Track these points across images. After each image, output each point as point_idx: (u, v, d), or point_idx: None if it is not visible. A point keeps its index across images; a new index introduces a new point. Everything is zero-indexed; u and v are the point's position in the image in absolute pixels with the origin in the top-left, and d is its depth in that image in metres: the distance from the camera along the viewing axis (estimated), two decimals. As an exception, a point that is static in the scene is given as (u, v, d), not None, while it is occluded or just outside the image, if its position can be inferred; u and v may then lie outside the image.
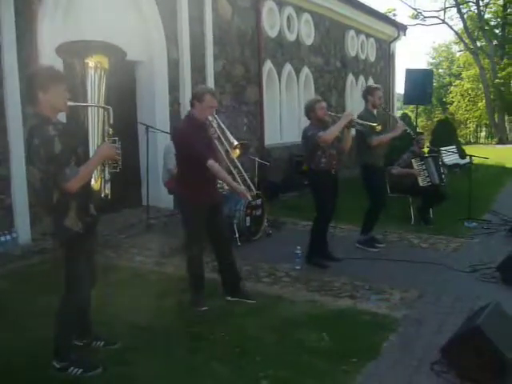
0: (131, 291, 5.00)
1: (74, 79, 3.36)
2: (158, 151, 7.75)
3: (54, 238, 3.47)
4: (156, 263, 6.08)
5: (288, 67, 12.14)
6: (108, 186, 3.40)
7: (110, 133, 3.34)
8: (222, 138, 4.54)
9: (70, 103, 3.25)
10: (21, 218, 6.42)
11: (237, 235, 6.71)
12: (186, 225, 4.74)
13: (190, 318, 4.45)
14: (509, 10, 34.47)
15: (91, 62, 3.28)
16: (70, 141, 3.19)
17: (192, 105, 4.59)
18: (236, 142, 4.56)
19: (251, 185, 4.75)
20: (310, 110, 5.88)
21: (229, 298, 4.86)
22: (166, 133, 7.74)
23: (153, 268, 5.90)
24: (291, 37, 12.15)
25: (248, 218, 6.92)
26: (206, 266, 4.94)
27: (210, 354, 3.83)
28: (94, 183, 3.34)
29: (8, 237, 6.23)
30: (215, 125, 4.54)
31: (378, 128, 5.99)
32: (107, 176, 3.39)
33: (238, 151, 4.63)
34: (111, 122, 3.34)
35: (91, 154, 3.30)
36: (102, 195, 3.40)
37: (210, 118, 4.51)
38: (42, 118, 3.20)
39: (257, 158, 8.00)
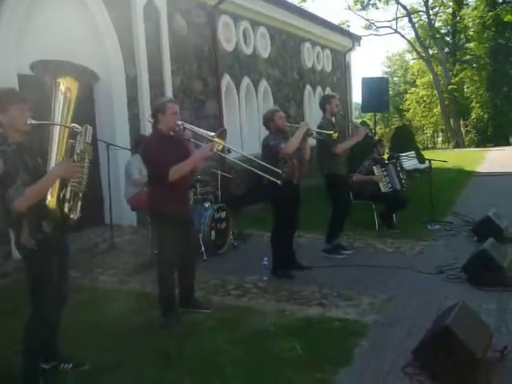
0: (97, 311, 4.90)
1: (45, 96, 3.36)
2: (119, 168, 7.65)
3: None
4: (121, 281, 5.97)
5: (246, 80, 12.19)
6: (68, 205, 3.34)
7: (79, 151, 3.32)
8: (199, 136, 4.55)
9: (32, 121, 3.24)
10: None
11: (203, 249, 6.65)
12: (160, 239, 4.69)
13: (159, 335, 4.37)
14: (458, 18, 35.51)
15: (62, 83, 3.31)
16: (20, 161, 3.20)
17: (156, 120, 4.57)
18: (212, 133, 4.52)
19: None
20: (269, 120, 5.88)
21: (180, 309, 4.81)
22: (127, 149, 7.66)
23: (118, 286, 5.80)
24: (248, 50, 12.22)
25: (213, 232, 6.88)
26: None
27: (182, 370, 3.77)
28: (50, 201, 3.27)
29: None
30: (188, 126, 4.55)
31: (335, 136, 6.01)
32: (68, 195, 3.34)
33: (219, 140, 4.55)
34: (88, 140, 3.35)
35: None
36: (62, 214, 3.34)
37: (179, 123, 4.50)
38: (0, 138, 3.25)
39: (219, 171, 7.97)
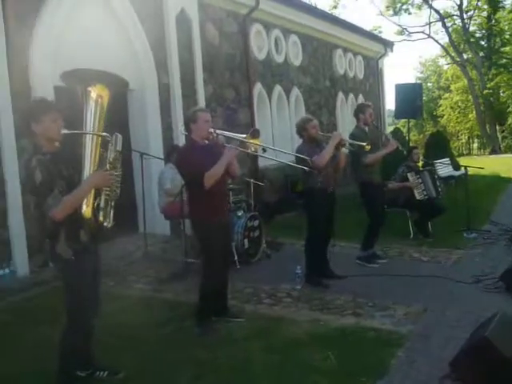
0: (132, 319, 4.92)
1: (76, 105, 3.40)
2: (153, 177, 7.73)
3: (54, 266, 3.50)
4: (155, 290, 6.01)
5: (278, 88, 12.20)
6: (102, 213, 3.37)
7: (111, 160, 3.34)
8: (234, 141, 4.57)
9: (64, 131, 3.29)
10: (18, 251, 6.35)
11: (236, 258, 6.65)
12: (203, 247, 4.70)
13: (193, 344, 4.38)
14: (493, 21, 34.89)
15: (93, 91, 3.33)
16: (56, 169, 3.24)
17: (189, 130, 4.61)
18: (244, 135, 4.52)
19: None
20: (302, 129, 5.87)
21: (213, 318, 4.79)
22: (160, 159, 7.73)
23: (152, 294, 5.83)
24: (279, 58, 12.24)
25: (246, 240, 6.88)
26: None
27: (215, 379, 3.77)
28: (85, 210, 3.30)
29: (6, 270, 6.17)
30: (219, 132, 4.58)
31: (367, 148, 5.97)
32: (102, 204, 3.37)
33: (253, 140, 4.54)
34: (118, 148, 3.37)
35: None
36: (97, 223, 3.37)
37: (211, 130, 4.52)
38: (35, 148, 3.32)
39: (252, 180, 7.97)
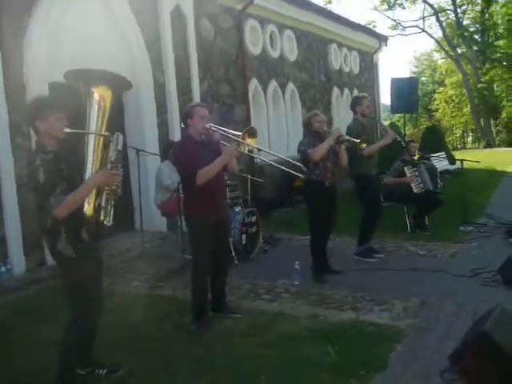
0: (129, 316, 4.92)
1: (76, 104, 3.40)
2: (149, 174, 7.71)
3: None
4: (152, 287, 5.99)
5: (273, 84, 12.17)
6: (103, 212, 3.38)
7: (113, 159, 3.34)
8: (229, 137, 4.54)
9: (67, 130, 3.29)
10: (15, 249, 6.31)
11: (233, 254, 6.65)
12: (193, 242, 4.70)
13: (190, 340, 4.37)
14: (487, 16, 34.92)
15: (96, 92, 3.35)
16: (58, 168, 3.24)
17: (186, 125, 4.61)
18: (240, 133, 4.49)
19: None
20: (307, 123, 5.91)
21: (211, 314, 4.81)
22: (157, 155, 7.70)
23: (149, 292, 5.83)
24: (275, 53, 12.21)
25: (244, 236, 6.87)
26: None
27: (214, 376, 3.75)
28: (87, 209, 3.31)
29: (2, 268, 6.13)
30: (216, 128, 4.57)
31: (363, 145, 5.97)
32: (103, 202, 3.37)
33: (250, 139, 4.51)
34: (119, 148, 3.37)
35: None
36: (97, 222, 3.38)
37: (207, 126, 4.50)
38: (38, 146, 3.33)
39: (249, 175, 7.95)
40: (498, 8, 34.66)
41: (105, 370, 3.78)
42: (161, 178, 6.94)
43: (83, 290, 3.40)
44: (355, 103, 6.61)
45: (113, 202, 3.42)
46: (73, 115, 3.39)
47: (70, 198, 3.18)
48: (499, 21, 34.93)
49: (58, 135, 3.30)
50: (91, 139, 3.33)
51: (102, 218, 3.37)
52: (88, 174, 3.31)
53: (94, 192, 3.32)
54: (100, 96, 3.34)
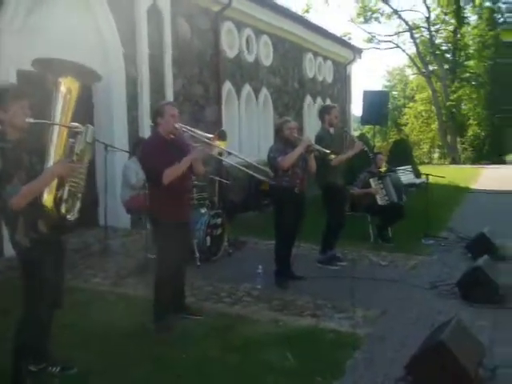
0: (88, 314, 4.84)
1: (44, 93, 3.34)
2: (116, 170, 7.61)
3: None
4: (113, 284, 5.91)
5: (247, 88, 12.19)
6: (65, 205, 3.30)
7: (78, 152, 3.28)
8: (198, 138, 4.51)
9: (30, 120, 3.21)
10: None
11: (197, 255, 6.60)
12: (158, 244, 4.65)
13: (149, 340, 4.32)
14: (458, 36, 35.72)
15: (64, 83, 3.27)
16: (17, 158, 3.18)
17: (156, 123, 4.57)
18: (210, 135, 4.47)
19: None
20: (278, 130, 5.93)
21: (171, 315, 4.74)
22: (126, 151, 7.62)
23: (110, 289, 5.74)
24: (250, 58, 12.23)
25: (208, 238, 6.84)
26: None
27: (171, 377, 3.71)
28: (46, 200, 3.23)
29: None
30: (186, 129, 4.53)
31: (332, 157, 6.02)
32: (65, 195, 3.30)
33: (219, 142, 4.50)
34: (88, 140, 3.30)
35: None
36: (59, 214, 3.30)
37: (177, 126, 4.47)
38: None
39: (217, 177, 7.93)
40: (469, 29, 35.56)
41: (58, 368, 3.70)
42: (127, 174, 6.87)
43: (38, 283, 3.32)
44: (324, 112, 6.66)
45: (79, 196, 3.36)
46: (39, 104, 3.32)
47: (26, 188, 3.12)
48: (470, 42, 35.82)
49: (19, 125, 3.23)
50: (55, 130, 3.26)
51: (64, 211, 3.29)
52: (49, 164, 3.23)
53: (54, 183, 3.24)
54: (67, 87, 3.28)
